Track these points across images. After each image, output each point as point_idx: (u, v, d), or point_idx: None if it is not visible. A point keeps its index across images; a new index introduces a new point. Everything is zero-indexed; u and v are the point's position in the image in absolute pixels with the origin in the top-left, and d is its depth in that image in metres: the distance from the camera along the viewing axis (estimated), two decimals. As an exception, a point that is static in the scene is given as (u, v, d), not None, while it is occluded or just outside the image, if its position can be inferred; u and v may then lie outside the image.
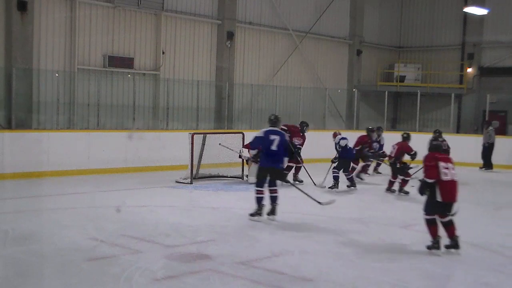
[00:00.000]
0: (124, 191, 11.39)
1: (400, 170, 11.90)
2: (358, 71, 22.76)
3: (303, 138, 13.00)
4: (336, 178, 12.10)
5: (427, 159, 7.37)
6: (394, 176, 12.01)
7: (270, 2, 19.51)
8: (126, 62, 15.70)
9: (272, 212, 8.84)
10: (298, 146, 12.80)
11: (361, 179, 13.82)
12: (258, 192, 8.81)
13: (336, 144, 12.45)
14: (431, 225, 7.26)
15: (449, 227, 7.20)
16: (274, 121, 9.07)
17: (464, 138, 18.57)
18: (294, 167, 12.81)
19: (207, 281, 5.78)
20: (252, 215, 8.79)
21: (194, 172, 12.76)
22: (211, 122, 17.85)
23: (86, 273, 5.94)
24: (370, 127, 14.36)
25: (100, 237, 7.37)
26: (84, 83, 14.88)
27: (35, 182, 11.97)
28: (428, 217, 7.30)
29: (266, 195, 8.90)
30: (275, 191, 8.88)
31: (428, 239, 7.55)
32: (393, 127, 22.66)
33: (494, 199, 11.86)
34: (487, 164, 16.98)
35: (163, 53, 16.58)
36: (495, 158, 16.99)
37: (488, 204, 11.14)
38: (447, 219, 7.19)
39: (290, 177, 12.75)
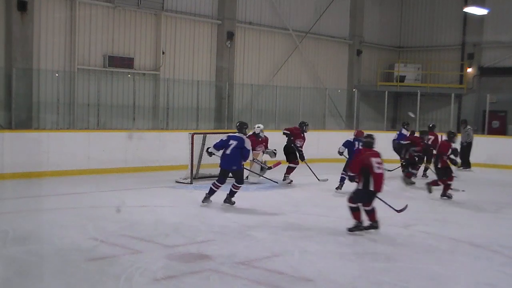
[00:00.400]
0: (124, 191, 11.39)
1: (442, 172, 11.43)
2: (358, 71, 22.75)
3: (304, 139, 13.02)
4: (342, 180, 11.97)
5: (358, 154, 8.32)
6: (442, 179, 11.46)
7: (270, 2, 19.51)
8: (126, 62, 15.70)
9: (225, 200, 9.96)
10: (299, 148, 12.81)
11: (412, 182, 13.26)
12: (213, 184, 9.97)
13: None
14: (355, 212, 8.11)
15: (372, 213, 8.11)
16: (238, 127, 10.18)
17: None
18: (287, 167, 12.84)
19: (207, 281, 5.78)
20: (202, 200, 9.95)
21: (194, 172, 12.76)
22: (211, 122, 17.84)
23: (86, 273, 5.95)
24: (424, 130, 13.66)
25: (100, 237, 7.37)
26: (84, 83, 14.88)
27: (35, 182, 11.96)
28: (353, 205, 8.11)
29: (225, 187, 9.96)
30: (235, 187, 9.92)
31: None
32: (393, 127, 22.65)
33: (494, 199, 11.84)
34: (465, 163, 16.90)
35: (163, 53, 16.58)
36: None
37: (488, 204, 11.13)
38: (370, 207, 8.07)
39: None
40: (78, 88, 14.77)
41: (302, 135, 12.96)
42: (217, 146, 10.05)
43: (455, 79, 23.51)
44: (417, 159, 13.52)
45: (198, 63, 17.65)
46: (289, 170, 12.85)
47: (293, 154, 12.86)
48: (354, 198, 8.14)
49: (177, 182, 12.57)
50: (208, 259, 6.50)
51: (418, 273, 6.34)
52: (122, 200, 10.05)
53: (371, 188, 7.95)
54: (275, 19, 19.73)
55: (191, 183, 12.41)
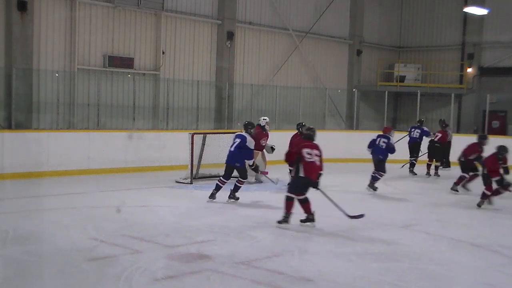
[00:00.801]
0: (124, 191, 11.39)
1: (497, 181, 10.79)
2: (358, 71, 22.76)
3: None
4: (373, 178, 12.03)
5: (294, 144, 8.75)
6: (504, 186, 10.81)
7: (270, 2, 19.52)
8: (126, 62, 15.70)
9: (229, 196, 10.32)
10: None
11: (456, 190, 12.58)
12: (219, 180, 10.35)
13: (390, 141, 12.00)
14: (289, 201, 8.38)
15: (305, 204, 8.39)
16: (243, 126, 10.55)
17: (464, 138, 18.51)
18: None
19: (207, 281, 5.78)
20: (209, 196, 10.27)
21: (194, 172, 12.76)
22: (211, 122, 17.85)
23: (86, 273, 5.94)
24: (483, 134, 13.18)
25: (100, 237, 7.37)
26: (84, 83, 14.88)
27: (35, 182, 11.96)
28: (289, 194, 8.40)
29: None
30: (239, 182, 10.29)
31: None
32: (393, 127, 22.65)
33: (494, 199, 11.81)
34: (446, 162, 16.87)
35: (163, 53, 16.58)
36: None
37: (488, 204, 11.11)
38: (302, 197, 8.36)
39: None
40: (78, 88, 14.77)
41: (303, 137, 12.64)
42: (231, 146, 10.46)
43: (455, 79, 23.52)
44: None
45: (198, 63, 17.65)
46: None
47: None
48: (289, 187, 8.50)
49: (177, 182, 12.57)
50: (208, 259, 6.50)
51: (418, 273, 6.34)
52: (122, 200, 10.04)
53: (301, 174, 8.31)
54: (275, 19, 19.73)
55: (191, 183, 12.41)
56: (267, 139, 12.77)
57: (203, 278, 5.85)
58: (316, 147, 8.56)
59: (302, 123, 12.89)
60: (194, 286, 5.66)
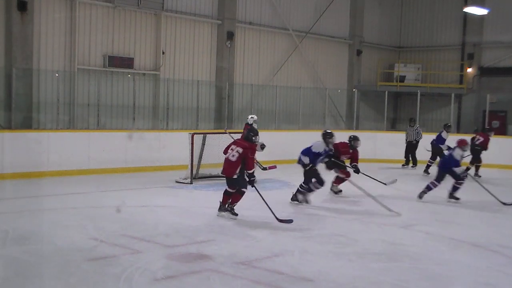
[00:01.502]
0: (124, 191, 11.39)
1: None
2: (358, 71, 22.76)
3: (355, 152, 11.62)
4: (428, 188, 11.44)
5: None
6: None
7: (270, 2, 19.52)
8: (126, 62, 15.70)
9: (293, 198, 10.61)
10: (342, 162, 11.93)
11: None
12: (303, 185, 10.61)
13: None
14: (224, 194, 8.95)
15: (233, 196, 8.86)
16: (321, 135, 10.70)
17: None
18: (336, 177, 11.84)
19: (207, 281, 5.78)
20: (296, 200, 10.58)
21: (194, 172, 12.76)
22: (211, 122, 17.85)
23: (86, 273, 5.94)
24: None
25: (100, 237, 7.37)
26: (84, 83, 14.88)
27: (35, 182, 11.96)
28: (227, 188, 8.94)
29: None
30: (302, 186, 10.55)
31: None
32: (393, 127, 22.65)
33: (494, 199, 11.82)
34: (413, 161, 16.94)
35: (163, 53, 16.58)
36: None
37: (488, 204, 11.12)
38: (231, 190, 8.86)
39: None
40: (78, 88, 14.78)
41: (350, 151, 11.51)
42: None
43: (455, 79, 23.52)
44: None
45: (198, 63, 17.66)
46: (338, 180, 11.79)
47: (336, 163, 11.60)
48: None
49: (177, 182, 12.56)
50: (208, 259, 6.50)
51: (418, 273, 6.34)
52: (122, 200, 10.04)
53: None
54: (275, 19, 19.73)
55: (191, 183, 12.41)
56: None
57: (203, 278, 5.85)
58: (243, 146, 8.76)
59: (356, 136, 11.84)
60: (194, 286, 5.66)
